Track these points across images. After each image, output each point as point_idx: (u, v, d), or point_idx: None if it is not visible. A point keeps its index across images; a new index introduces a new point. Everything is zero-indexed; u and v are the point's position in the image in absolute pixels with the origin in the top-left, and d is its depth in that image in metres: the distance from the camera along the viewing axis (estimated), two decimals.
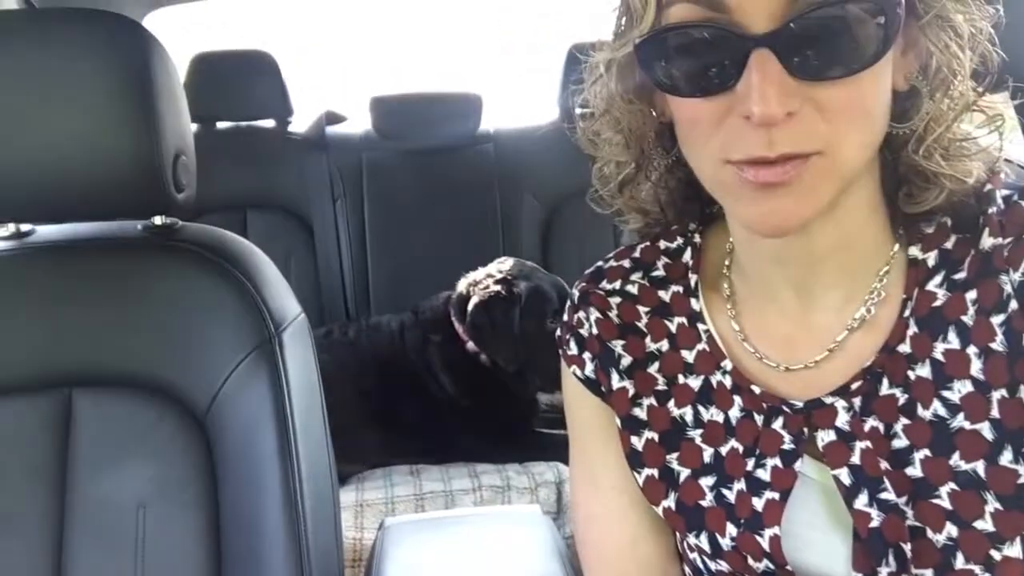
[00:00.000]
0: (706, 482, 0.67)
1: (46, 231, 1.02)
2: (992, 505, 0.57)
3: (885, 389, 0.62)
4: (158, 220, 0.99)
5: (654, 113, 0.65)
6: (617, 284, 0.74)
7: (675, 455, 0.69)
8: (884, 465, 0.60)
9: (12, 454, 0.92)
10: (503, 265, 1.95)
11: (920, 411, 0.60)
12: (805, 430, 0.64)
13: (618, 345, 0.72)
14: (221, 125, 2.40)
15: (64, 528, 0.91)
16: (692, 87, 0.56)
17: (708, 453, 0.68)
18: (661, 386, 0.71)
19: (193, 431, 0.93)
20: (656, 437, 0.70)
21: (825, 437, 0.63)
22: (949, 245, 0.62)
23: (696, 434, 0.69)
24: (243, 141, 2.40)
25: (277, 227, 2.34)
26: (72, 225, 1.02)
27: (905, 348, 0.62)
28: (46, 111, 0.86)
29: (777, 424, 0.65)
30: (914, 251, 0.63)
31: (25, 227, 1.01)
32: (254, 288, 0.94)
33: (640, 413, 0.71)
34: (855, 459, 0.61)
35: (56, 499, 0.91)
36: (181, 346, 0.93)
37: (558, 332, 0.78)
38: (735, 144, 0.55)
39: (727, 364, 0.68)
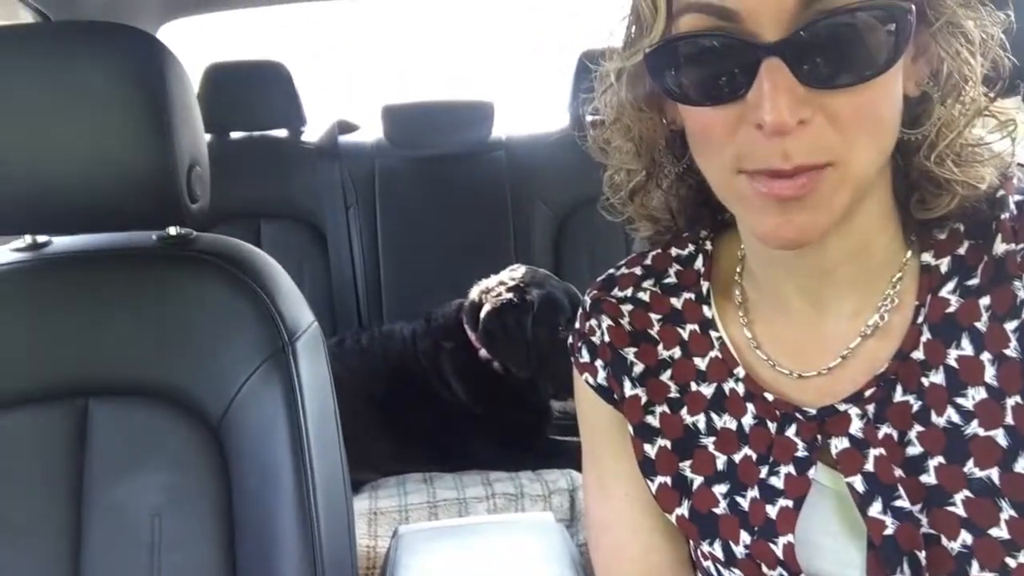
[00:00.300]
0: (719, 490, 0.67)
1: (62, 242, 1.03)
2: (1007, 512, 0.57)
3: (899, 396, 0.61)
4: (172, 230, 0.99)
5: (665, 121, 0.65)
6: (629, 291, 0.74)
7: (688, 463, 0.69)
8: (898, 472, 0.60)
9: (29, 463, 0.93)
10: (515, 272, 1.95)
11: (934, 418, 0.60)
12: (819, 437, 0.64)
13: (630, 352, 0.72)
14: (235, 135, 2.42)
15: (81, 536, 0.91)
16: (702, 96, 0.56)
17: (721, 460, 0.68)
18: (674, 393, 0.71)
19: (207, 439, 0.93)
20: (669, 445, 0.70)
21: (839, 444, 0.63)
22: (962, 251, 0.62)
23: (709, 442, 0.69)
24: (256, 151, 2.42)
25: (290, 236, 2.36)
26: (87, 236, 1.03)
27: (919, 355, 0.61)
28: (61, 123, 0.87)
29: (790, 431, 0.65)
30: (927, 257, 0.63)
31: (41, 238, 1.02)
32: (268, 297, 0.95)
33: (653, 421, 0.71)
34: (869, 466, 0.61)
35: (72, 507, 0.92)
36: (196, 355, 0.94)
37: (570, 339, 0.78)
38: (750, 155, 0.55)
39: (740, 371, 0.68)
